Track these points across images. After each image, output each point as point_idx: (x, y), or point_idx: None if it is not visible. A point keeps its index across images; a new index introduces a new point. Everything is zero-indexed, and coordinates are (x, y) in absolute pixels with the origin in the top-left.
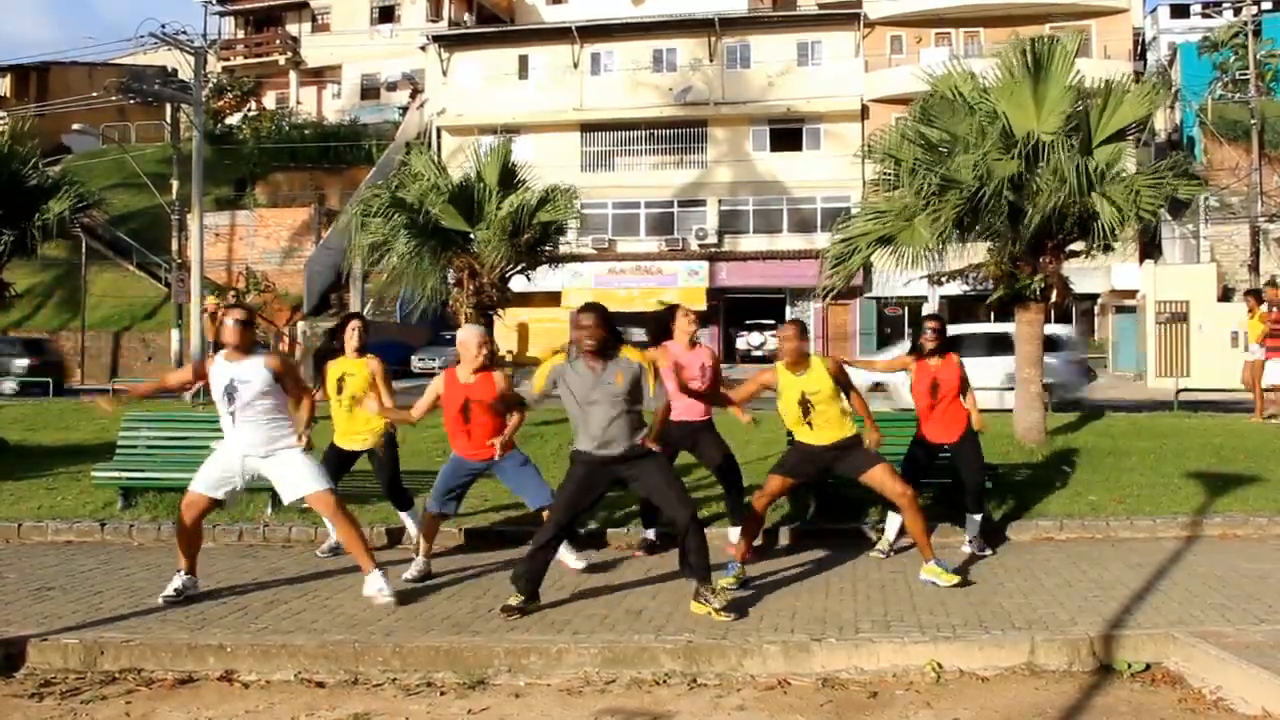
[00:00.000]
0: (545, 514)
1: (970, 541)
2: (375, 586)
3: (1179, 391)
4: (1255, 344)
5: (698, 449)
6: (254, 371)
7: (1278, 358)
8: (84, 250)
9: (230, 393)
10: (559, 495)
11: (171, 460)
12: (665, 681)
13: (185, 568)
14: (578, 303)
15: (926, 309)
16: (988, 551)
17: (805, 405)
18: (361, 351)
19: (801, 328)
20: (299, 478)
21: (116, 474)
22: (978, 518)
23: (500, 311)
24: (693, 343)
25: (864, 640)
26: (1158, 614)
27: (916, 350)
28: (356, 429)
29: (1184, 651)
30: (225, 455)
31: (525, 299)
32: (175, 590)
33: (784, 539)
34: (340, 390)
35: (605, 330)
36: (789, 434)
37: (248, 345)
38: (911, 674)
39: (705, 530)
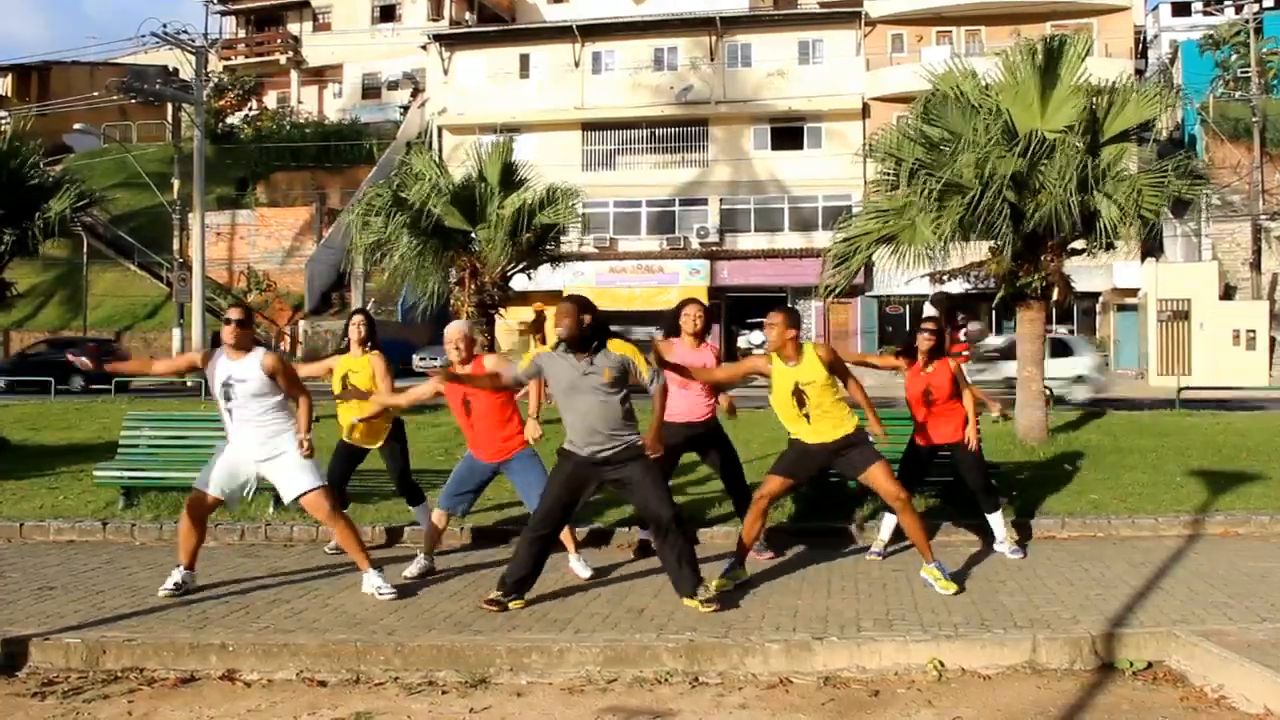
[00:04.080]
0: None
1: (999, 543)
2: (373, 585)
3: (1180, 390)
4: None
5: (701, 449)
6: (250, 370)
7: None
8: (85, 250)
9: (227, 390)
10: (545, 490)
11: (173, 460)
12: (667, 680)
13: (185, 563)
14: None
15: (928, 308)
16: (1019, 554)
17: (799, 396)
18: (367, 347)
19: (792, 316)
20: (294, 476)
21: (118, 473)
22: (997, 515)
23: (502, 310)
24: (702, 339)
25: (866, 639)
26: (1159, 612)
27: (909, 353)
28: (364, 427)
29: (1186, 650)
30: (230, 455)
31: (526, 298)
32: (174, 585)
33: (785, 538)
34: (345, 388)
35: (580, 320)
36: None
37: (246, 344)
38: (913, 672)
39: (695, 530)
